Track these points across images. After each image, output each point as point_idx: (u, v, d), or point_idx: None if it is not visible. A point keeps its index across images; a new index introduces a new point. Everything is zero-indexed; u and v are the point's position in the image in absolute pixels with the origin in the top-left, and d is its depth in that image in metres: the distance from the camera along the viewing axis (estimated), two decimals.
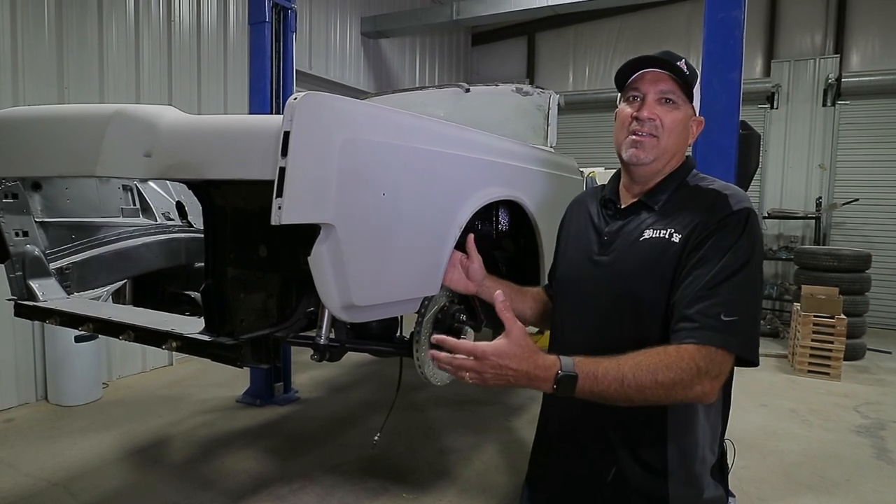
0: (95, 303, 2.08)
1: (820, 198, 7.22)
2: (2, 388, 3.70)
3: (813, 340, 5.00)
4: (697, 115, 1.20)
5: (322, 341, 1.51)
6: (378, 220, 1.30)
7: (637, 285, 1.10)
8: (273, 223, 1.10)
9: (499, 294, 1.01)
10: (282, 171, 1.10)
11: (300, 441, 3.38)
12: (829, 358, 4.98)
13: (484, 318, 1.87)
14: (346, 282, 1.24)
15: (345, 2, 6.88)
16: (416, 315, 1.60)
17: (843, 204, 6.99)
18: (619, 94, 1.20)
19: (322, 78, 6.52)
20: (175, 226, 2.49)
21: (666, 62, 1.12)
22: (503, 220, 2.24)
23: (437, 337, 0.99)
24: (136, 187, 2.42)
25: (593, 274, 1.18)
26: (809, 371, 5.02)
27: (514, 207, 2.07)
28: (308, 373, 4.63)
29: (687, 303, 1.00)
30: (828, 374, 4.97)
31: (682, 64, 1.13)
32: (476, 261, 1.41)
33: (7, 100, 3.63)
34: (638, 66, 1.15)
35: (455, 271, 1.45)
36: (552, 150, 2.90)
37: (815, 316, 5.06)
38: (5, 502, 2.63)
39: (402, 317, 1.74)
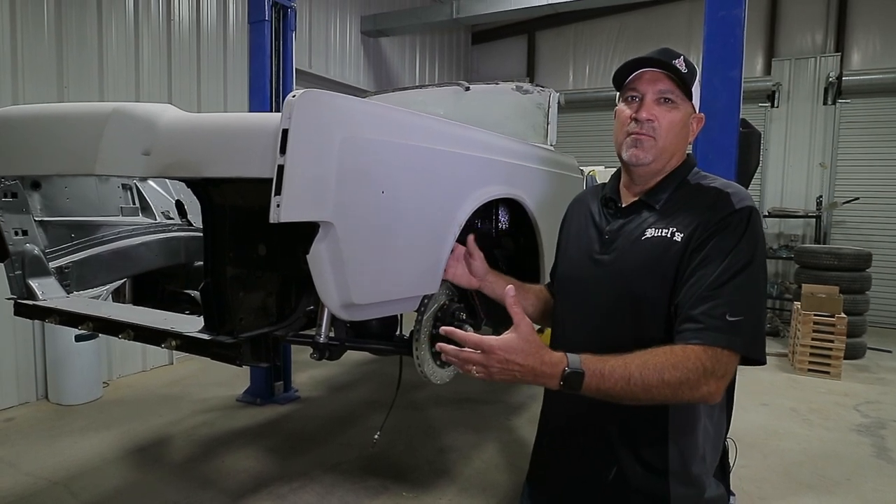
0: (95, 302, 2.08)
1: (820, 196, 7.21)
2: (2, 387, 3.70)
3: (813, 339, 5.00)
4: (697, 112, 1.19)
5: (321, 340, 1.51)
6: (377, 218, 1.29)
7: (638, 284, 1.09)
8: (272, 221, 1.09)
9: (510, 289, 1.01)
10: (280, 168, 1.10)
11: (300, 440, 3.38)
12: (829, 357, 4.97)
13: (484, 316, 1.87)
14: (346, 280, 1.24)
15: (345, 0, 6.87)
16: (416, 313, 1.60)
17: (844, 202, 6.98)
18: (618, 94, 1.20)
19: (322, 77, 6.51)
20: (174, 225, 2.49)
21: (663, 62, 1.11)
22: (503, 218, 2.23)
23: (445, 329, 0.99)
24: (136, 186, 2.41)
25: (594, 273, 1.18)
26: (810, 370, 5.01)
27: (514, 206, 2.06)
28: (308, 372, 4.63)
29: (691, 303, 1.00)
30: (828, 373, 4.97)
31: (679, 62, 1.12)
32: (478, 257, 1.41)
33: (6, 99, 3.63)
34: (635, 67, 1.14)
35: (459, 266, 1.45)
36: (552, 148, 2.90)
37: (815, 315, 5.06)
38: (6, 501, 2.63)
39: (401, 315, 1.74)
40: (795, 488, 2.98)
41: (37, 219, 2.01)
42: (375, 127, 1.28)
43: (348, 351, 1.70)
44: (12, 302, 1.97)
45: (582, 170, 3.08)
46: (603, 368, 0.94)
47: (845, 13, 7.25)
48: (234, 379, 4.23)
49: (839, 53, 7.22)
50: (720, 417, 1.17)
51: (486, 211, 2.14)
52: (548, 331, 1.39)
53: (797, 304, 5.42)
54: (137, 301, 2.40)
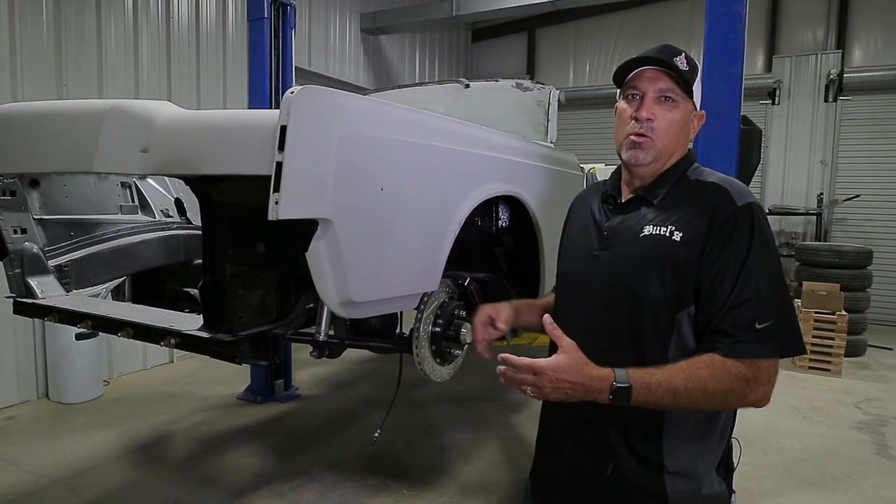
0: (94, 300, 2.08)
1: (821, 194, 7.20)
2: (3, 385, 3.70)
3: (814, 337, 4.99)
4: (698, 108, 1.18)
5: (321, 338, 1.51)
6: (376, 215, 1.29)
7: (636, 282, 1.09)
8: (270, 218, 1.09)
9: (546, 317, 1.07)
10: (279, 165, 1.09)
11: (301, 438, 3.38)
12: (829, 354, 4.97)
13: None
14: (345, 278, 1.23)
15: None
16: (416, 311, 1.60)
17: (845, 200, 6.97)
18: (619, 91, 1.19)
19: (321, 75, 6.50)
20: (174, 223, 2.49)
21: (663, 61, 1.10)
22: (503, 215, 2.23)
23: (502, 356, 1.03)
24: (135, 184, 2.41)
25: (593, 269, 1.17)
26: (810, 367, 5.01)
27: (514, 203, 2.06)
28: (308, 370, 4.63)
29: (719, 316, 1.01)
30: (829, 370, 4.96)
31: (681, 59, 1.11)
32: (502, 314, 1.33)
33: (6, 99, 3.62)
34: (636, 65, 1.14)
35: (488, 330, 1.33)
36: (552, 145, 2.89)
37: (815, 312, 5.05)
38: (7, 499, 2.63)
39: (401, 313, 1.74)
40: (796, 485, 2.98)
41: (36, 217, 2.01)
42: (374, 123, 1.27)
43: (348, 349, 1.70)
44: (11, 300, 1.97)
45: (582, 167, 3.08)
46: (650, 381, 0.98)
47: (846, 10, 7.23)
48: (235, 377, 4.23)
49: (840, 50, 7.20)
50: (717, 415, 1.16)
51: (487, 208, 2.13)
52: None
53: (798, 302, 5.42)
54: (137, 299, 2.40)
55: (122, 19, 4.30)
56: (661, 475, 1.10)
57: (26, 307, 1.93)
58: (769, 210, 7.10)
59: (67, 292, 2.04)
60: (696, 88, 1.16)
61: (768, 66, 7.61)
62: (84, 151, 1.36)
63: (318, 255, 1.19)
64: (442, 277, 1.59)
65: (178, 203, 2.55)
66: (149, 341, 1.61)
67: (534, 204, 2.04)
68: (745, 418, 1.25)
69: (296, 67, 4.10)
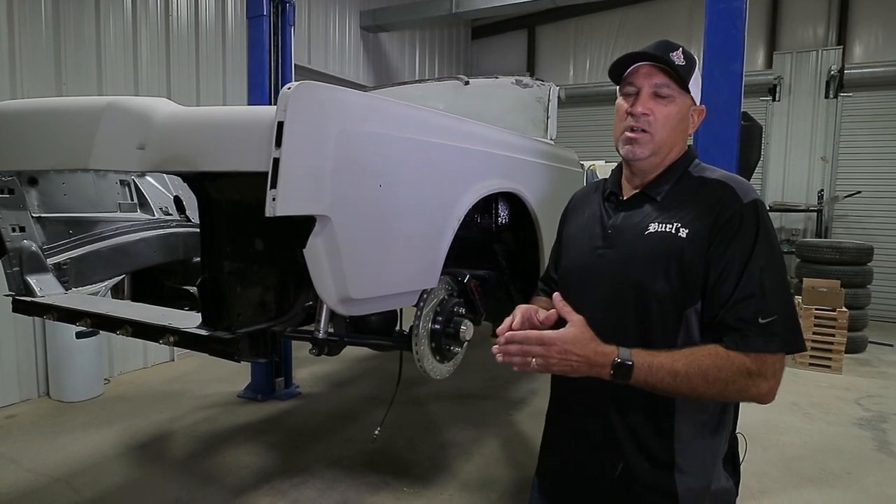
0: (93, 298, 2.07)
1: (822, 190, 7.18)
2: (4, 384, 3.70)
3: (814, 333, 4.99)
4: (698, 103, 1.17)
5: (320, 335, 1.51)
6: (374, 211, 1.28)
7: (641, 279, 1.09)
8: (267, 215, 1.09)
9: (556, 294, 1.09)
10: (276, 161, 1.09)
11: (301, 436, 3.38)
12: (830, 351, 4.96)
13: (483, 310, 1.86)
14: (343, 274, 1.23)
15: None
16: (415, 308, 1.59)
17: (845, 196, 6.95)
18: (618, 88, 1.19)
19: (321, 72, 6.48)
20: (173, 220, 2.48)
21: (656, 56, 1.10)
22: (503, 212, 2.22)
23: (510, 334, 1.03)
24: (134, 182, 2.41)
25: (597, 266, 1.17)
26: (811, 364, 5.00)
27: (513, 200, 2.05)
28: (309, 368, 4.63)
29: (724, 310, 1.02)
30: (829, 367, 4.96)
31: (677, 54, 1.11)
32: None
33: (5, 97, 3.62)
34: (630, 61, 1.14)
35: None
36: (552, 142, 2.89)
37: (816, 309, 5.04)
38: (8, 497, 2.64)
39: (401, 310, 1.73)
40: (796, 482, 2.98)
41: (34, 215, 2.01)
42: (372, 119, 1.27)
43: (348, 347, 1.69)
44: (10, 298, 1.97)
45: (582, 164, 3.07)
46: (652, 362, 0.99)
47: (847, 6, 7.20)
48: (235, 375, 4.23)
49: (841, 47, 7.17)
50: (726, 411, 1.16)
51: (486, 205, 2.13)
52: None
53: (798, 299, 5.41)
54: (136, 297, 2.40)
55: (120, 17, 4.29)
56: (672, 473, 1.10)
57: (25, 305, 1.93)
58: (770, 207, 7.09)
59: (66, 290, 2.03)
60: (695, 83, 1.15)
61: (769, 63, 7.59)
62: (81, 149, 1.36)
63: (315, 252, 1.19)
64: (441, 274, 1.58)
65: (178, 201, 2.54)
66: (148, 339, 1.61)
67: (533, 201, 2.03)
68: (746, 415, 1.25)
69: (295, 65, 4.09)
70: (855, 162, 7.13)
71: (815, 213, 7.07)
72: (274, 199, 1.08)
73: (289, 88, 1.10)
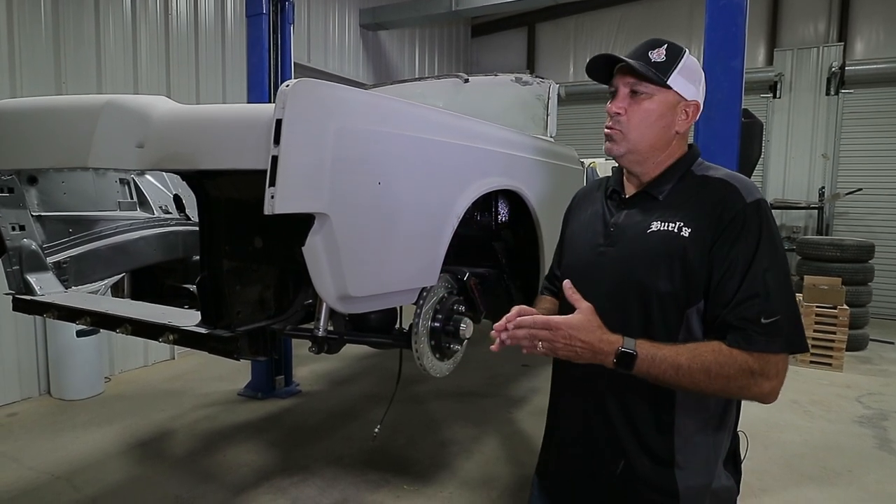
0: (93, 296, 2.07)
1: (823, 188, 7.17)
2: (5, 382, 3.71)
3: (815, 331, 4.98)
4: (689, 98, 1.14)
5: (320, 333, 1.50)
6: (374, 209, 1.28)
7: (645, 278, 1.09)
8: (266, 213, 1.08)
9: (566, 282, 1.10)
10: (274, 159, 1.08)
11: (301, 434, 3.39)
12: (831, 349, 4.96)
13: (483, 308, 1.86)
14: (342, 272, 1.23)
15: None
16: (415, 306, 1.59)
17: (847, 194, 6.94)
18: None
19: (321, 71, 6.48)
20: (173, 219, 2.48)
21: (615, 57, 1.14)
22: (502, 210, 2.22)
23: (519, 320, 1.04)
24: (134, 181, 2.40)
25: (600, 264, 1.17)
26: (811, 362, 5.00)
27: (513, 197, 2.05)
28: (309, 366, 4.63)
29: (727, 310, 1.03)
30: (830, 364, 4.95)
31: (658, 52, 1.10)
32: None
33: (5, 96, 3.61)
34: (595, 64, 1.19)
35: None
36: (552, 140, 2.88)
37: (817, 306, 5.04)
38: (9, 495, 2.64)
39: (401, 308, 1.73)
40: (797, 480, 2.98)
41: (34, 214, 2.01)
42: (371, 117, 1.27)
43: (349, 345, 1.69)
44: (10, 297, 1.97)
45: (582, 162, 3.06)
46: (655, 354, 0.99)
47: (848, 2, 7.18)
48: (236, 373, 4.23)
49: (842, 43, 7.15)
50: (728, 409, 1.16)
51: (486, 203, 2.12)
52: None
53: (799, 296, 5.41)
54: (136, 296, 2.40)
55: (120, 16, 4.28)
56: (673, 471, 1.10)
57: (25, 304, 1.93)
58: (771, 204, 7.04)
59: (66, 289, 2.03)
60: (683, 78, 1.12)
61: (769, 60, 7.57)
62: (80, 147, 1.35)
63: (314, 250, 1.19)
64: (441, 272, 1.58)
65: (177, 199, 2.54)
66: (147, 337, 1.61)
67: (533, 198, 2.03)
68: (746, 412, 1.25)
69: (295, 63, 4.08)
70: (856, 159, 7.11)
71: (816, 211, 7.06)
72: (273, 197, 1.08)
73: (287, 86, 1.09)
